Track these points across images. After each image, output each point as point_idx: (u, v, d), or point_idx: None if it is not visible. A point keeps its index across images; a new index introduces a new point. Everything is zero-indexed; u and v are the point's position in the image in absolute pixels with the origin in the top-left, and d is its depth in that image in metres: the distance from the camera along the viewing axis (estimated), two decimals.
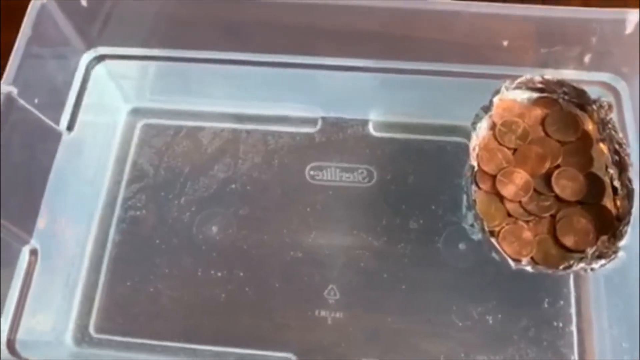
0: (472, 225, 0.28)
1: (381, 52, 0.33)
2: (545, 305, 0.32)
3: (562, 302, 0.32)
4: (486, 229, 0.27)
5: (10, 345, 0.29)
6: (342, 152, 0.36)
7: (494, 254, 0.27)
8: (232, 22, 0.33)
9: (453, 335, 0.31)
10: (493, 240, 0.27)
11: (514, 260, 0.27)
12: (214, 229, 0.34)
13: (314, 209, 0.35)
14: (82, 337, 0.32)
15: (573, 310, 0.32)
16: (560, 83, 0.29)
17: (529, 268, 0.27)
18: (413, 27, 0.32)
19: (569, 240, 0.28)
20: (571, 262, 0.27)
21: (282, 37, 0.33)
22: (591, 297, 0.32)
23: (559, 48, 0.31)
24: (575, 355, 0.31)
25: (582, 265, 0.26)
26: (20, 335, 0.29)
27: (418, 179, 0.35)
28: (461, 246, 0.33)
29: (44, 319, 0.31)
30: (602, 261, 0.26)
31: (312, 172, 0.36)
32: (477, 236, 0.28)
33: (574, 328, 0.31)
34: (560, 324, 0.31)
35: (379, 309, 0.32)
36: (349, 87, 0.35)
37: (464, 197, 0.29)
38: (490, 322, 0.32)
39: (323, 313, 0.32)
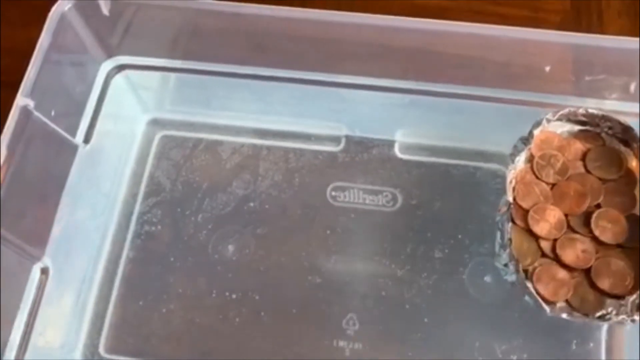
0: (505, 265, 0.27)
1: (412, 73, 0.32)
2: (574, 347, 0.31)
3: (592, 345, 0.31)
4: (521, 270, 0.26)
5: None
6: (366, 173, 0.35)
7: (527, 298, 0.26)
8: (258, 36, 0.31)
9: None
10: (529, 284, 0.25)
11: (549, 303, 0.26)
12: (230, 248, 0.33)
13: (335, 232, 0.33)
14: (91, 356, 0.31)
15: (603, 354, 0.30)
16: (606, 117, 0.28)
17: (564, 315, 0.25)
18: (447, 48, 0.30)
19: (604, 283, 0.26)
20: (609, 309, 0.26)
21: (308, 53, 0.31)
22: (624, 341, 0.30)
23: (604, 76, 0.30)
24: None
25: (622, 316, 0.25)
26: (28, 353, 0.28)
27: (445, 205, 0.34)
28: (487, 279, 0.32)
29: (52, 337, 0.30)
30: None
31: (333, 193, 0.34)
32: (511, 277, 0.26)
33: None
34: None
35: (399, 342, 0.31)
36: (376, 106, 0.34)
37: (498, 234, 0.27)
38: None
39: (341, 344, 0.31)
